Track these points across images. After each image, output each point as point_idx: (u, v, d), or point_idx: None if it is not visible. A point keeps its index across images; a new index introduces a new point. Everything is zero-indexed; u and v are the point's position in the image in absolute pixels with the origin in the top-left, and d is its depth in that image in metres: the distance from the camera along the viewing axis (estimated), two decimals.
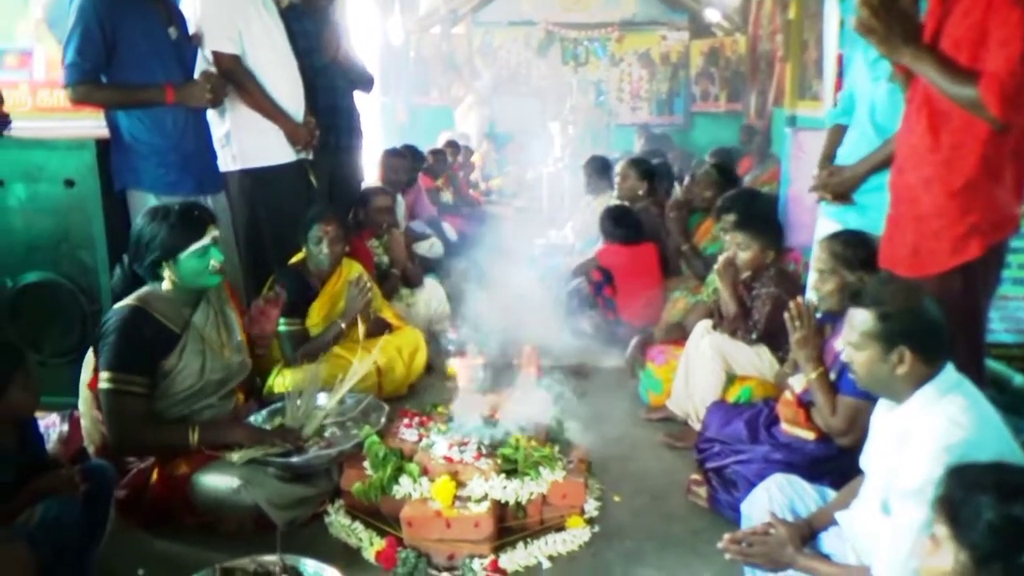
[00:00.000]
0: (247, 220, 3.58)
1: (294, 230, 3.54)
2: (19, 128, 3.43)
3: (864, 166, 2.76)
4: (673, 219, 4.30)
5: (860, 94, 2.86)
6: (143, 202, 3.20)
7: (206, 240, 2.51)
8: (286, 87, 3.61)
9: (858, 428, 2.24)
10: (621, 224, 4.50)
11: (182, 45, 3.28)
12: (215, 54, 3.36)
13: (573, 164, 7.79)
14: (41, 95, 4.66)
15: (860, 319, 1.77)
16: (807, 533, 1.96)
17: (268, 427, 2.69)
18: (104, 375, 2.43)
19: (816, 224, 3.10)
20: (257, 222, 3.60)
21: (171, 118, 3.17)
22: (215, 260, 2.53)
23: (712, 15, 10.73)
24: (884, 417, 1.86)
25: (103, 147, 3.19)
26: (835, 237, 2.64)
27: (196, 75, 3.27)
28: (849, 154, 2.86)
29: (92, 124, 3.32)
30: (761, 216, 3.49)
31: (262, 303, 2.86)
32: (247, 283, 3.57)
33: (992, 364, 2.97)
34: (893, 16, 2.03)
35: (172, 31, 3.22)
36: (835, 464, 2.40)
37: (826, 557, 1.88)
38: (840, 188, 2.84)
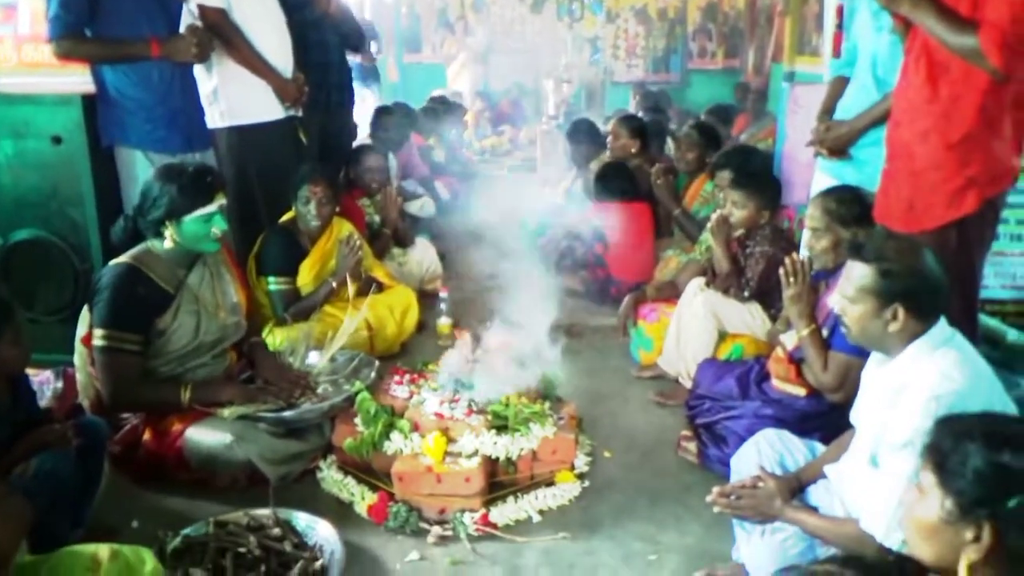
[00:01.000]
0: (235, 177, 3.53)
1: (284, 188, 3.50)
2: (4, 84, 3.38)
3: (862, 120, 2.72)
4: (660, 185, 4.26)
5: (863, 46, 2.81)
6: (131, 158, 3.17)
7: (212, 207, 2.49)
8: (274, 42, 3.54)
9: (849, 384, 2.24)
10: (614, 181, 4.45)
11: None
12: (200, 8, 3.28)
13: (568, 123, 7.70)
14: (26, 50, 4.53)
15: (859, 273, 1.75)
16: (796, 486, 1.98)
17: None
18: (98, 332, 2.43)
19: (812, 180, 3.08)
20: (246, 180, 3.55)
21: (157, 73, 3.11)
22: (217, 228, 2.52)
23: None
24: (875, 372, 1.86)
25: (90, 103, 3.15)
26: (828, 193, 2.61)
27: (182, 29, 3.20)
28: (848, 107, 2.82)
29: (78, 80, 3.26)
30: (757, 174, 3.46)
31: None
32: (236, 242, 3.53)
33: (986, 320, 2.98)
34: None
35: None
36: (825, 420, 2.42)
37: (814, 510, 1.90)
38: (837, 143, 2.81)
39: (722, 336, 3.15)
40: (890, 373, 1.76)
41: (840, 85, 2.95)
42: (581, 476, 2.57)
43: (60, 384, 2.89)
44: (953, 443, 1.18)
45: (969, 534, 1.15)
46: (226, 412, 2.48)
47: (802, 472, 2.03)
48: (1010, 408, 1.64)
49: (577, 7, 10.92)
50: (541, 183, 7.35)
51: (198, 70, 3.36)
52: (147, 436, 2.52)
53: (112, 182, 3.22)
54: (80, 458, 2.08)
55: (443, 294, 3.83)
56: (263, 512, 2.22)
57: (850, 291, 1.77)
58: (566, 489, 2.48)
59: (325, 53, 4.06)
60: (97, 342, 2.43)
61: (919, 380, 1.64)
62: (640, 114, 7.11)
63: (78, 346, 2.61)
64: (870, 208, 2.42)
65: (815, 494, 1.98)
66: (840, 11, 4.07)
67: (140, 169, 3.11)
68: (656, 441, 2.87)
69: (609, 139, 5.14)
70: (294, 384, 2.66)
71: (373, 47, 8.24)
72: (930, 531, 1.20)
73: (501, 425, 2.51)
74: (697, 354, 3.10)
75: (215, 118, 3.48)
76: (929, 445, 1.22)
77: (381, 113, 5.58)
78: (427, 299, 4.08)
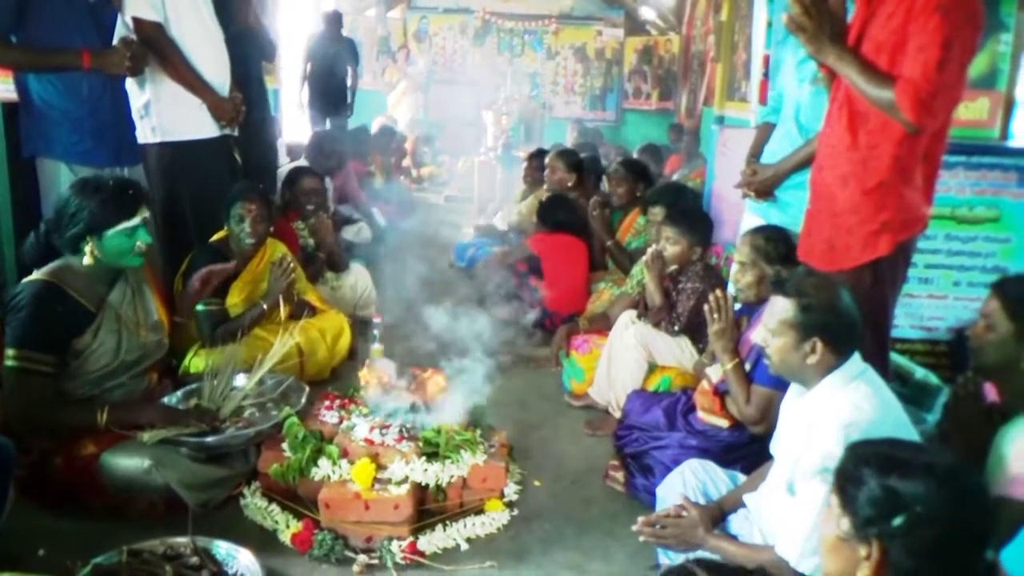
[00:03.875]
0: (165, 195, 3.45)
1: (215, 207, 3.42)
2: None
3: (786, 164, 2.86)
4: (596, 217, 4.37)
5: (787, 94, 2.97)
6: (55, 171, 3.07)
7: (135, 220, 2.42)
8: (211, 59, 3.48)
9: (770, 416, 2.32)
10: (557, 212, 4.54)
11: (100, 9, 3.13)
12: (135, 20, 3.21)
13: (506, 154, 7.80)
14: None
15: (781, 307, 1.83)
16: (718, 515, 2.03)
17: (183, 408, 2.61)
18: (10, 352, 2.32)
19: (740, 219, 3.20)
20: (176, 197, 3.47)
21: (87, 84, 3.03)
22: (141, 241, 2.45)
23: (647, 13, 10.90)
24: (793, 403, 1.93)
25: (10, 111, 3.03)
26: (757, 231, 2.72)
27: (115, 41, 3.13)
28: (774, 152, 2.97)
29: None
30: (691, 212, 3.57)
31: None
32: (164, 260, 3.45)
33: (896, 358, 3.12)
34: (823, 15, 2.10)
35: None
36: (747, 450, 2.49)
37: (734, 538, 1.95)
38: (763, 185, 2.94)
39: (651, 368, 3.21)
40: (806, 405, 1.84)
41: (766, 131, 3.10)
42: (510, 504, 2.57)
43: None
44: (853, 467, 1.26)
45: (863, 551, 1.22)
46: (146, 435, 2.38)
47: (724, 501, 2.09)
48: (916, 440, 1.73)
49: (518, 43, 11.15)
50: (477, 213, 7.41)
51: (130, 83, 3.28)
52: (59, 459, 2.40)
53: (32, 194, 3.10)
54: None
55: (376, 320, 3.80)
56: (181, 540, 2.14)
57: (772, 324, 1.84)
58: (495, 517, 2.48)
59: (245, 67, 4.02)
60: (8, 362, 2.32)
61: (832, 411, 1.72)
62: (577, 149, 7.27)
63: None
64: (794, 248, 2.53)
65: (735, 523, 2.04)
66: (767, 60, 4.27)
67: (64, 182, 2.99)
68: (585, 470, 2.89)
69: (546, 172, 5.23)
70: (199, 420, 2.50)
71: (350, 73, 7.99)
72: (833, 549, 1.28)
73: (432, 452, 2.50)
74: (627, 385, 3.16)
75: (146, 133, 3.39)
76: (837, 469, 1.30)
77: (320, 138, 5.55)
78: (360, 325, 4.04)
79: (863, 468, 1.24)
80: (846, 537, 1.24)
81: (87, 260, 2.41)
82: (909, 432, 1.74)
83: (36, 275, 2.41)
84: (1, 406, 2.43)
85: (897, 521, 1.18)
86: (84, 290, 2.44)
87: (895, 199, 2.16)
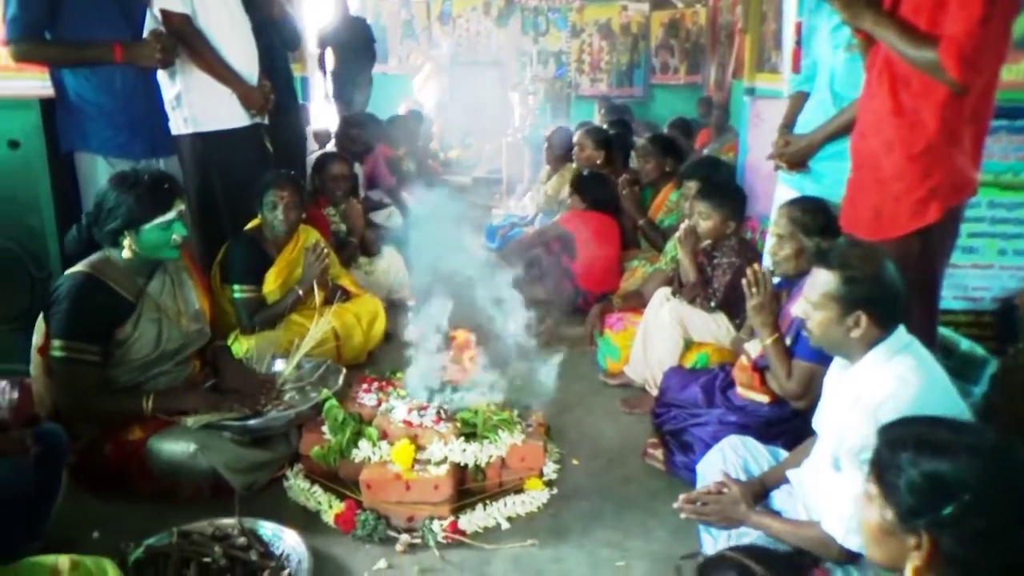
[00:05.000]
0: (199, 185, 3.49)
1: (249, 196, 3.46)
2: None
3: (820, 134, 2.79)
4: (626, 196, 4.33)
5: (821, 62, 2.89)
6: (92, 164, 3.11)
7: (172, 214, 2.46)
8: (240, 48, 3.51)
9: (812, 391, 2.28)
10: (594, 189, 4.51)
11: (129, 3, 3.16)
12: (164, 13, 3.24)
13: (533, 135, 7.75)
14: None
15: (824, 279, 1.79)
16: (759, 491, 2.01)
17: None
18: (56, 343, 2.38)
19: (774, 191, 3.14)
20: (210, 187, 3.52)
21: (120, 77, 3.06)
22: (178, 234, 2.48)
23: None
24: (837, 377, 1.90)
25: (48, 107, 3.09)
26: (794, 203, 2.67)
27: (145, 34, 3.16)
28: (807, 122, 2.89)
29: (36, 84, 3.20)
30: (723, 186, 3.52)
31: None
32: (200, 249, 3.49)
33: (941, 330, 3.05)
34: None
35: None
36: (788, 426, 2.46)
37: (777, 514, 1.93)
38: (796, 157, 2.88)
39: (688, 344, 3.19)
40: (851, 379, 1.81)
41: (800, 100, 3.02)
42: (549, 483, 2.58)
43: (15, 394, 2.80)
44: (890, 455, 1.19)
45: (912, 541, 1.17)
46: (190, 421, 2.44)
47: (766, 477, 2.07)
48: (964, 414, 1.68)
49: (542, 21, 11.04)
50: (506, 194, 7.40)
51: (161, 75, 3.32)
52: (108, 445, 2.46)
53: (71, 188, 3.16)
54: (38, 467, 2.03)
55: (411, 303, 3.81)
56: (228, 521, 2.18)
57: (815, 297, 1.81)
58: (534, 496, 2.49)
59: (271, 58, 4.03)
60: (56, 353, 2.38)
61: (876, 384, 1.69)
62: (604, 127, 7.20)
63: (34, 356, 2.55)
64: (833, 220, 2.47)
65: (778, 498, 2.02)
66: (798, 28, 4.16)
67: (101, 175, 3.03)
68: (623, 448, 2.89)
69: (575, 150, 5.20)
70: (260, 389, 2.63)
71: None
72: (878, 537, 1.23)
73: (470, 432, 2.51)
74: (663, 362, 3.14)
75: (179, 124, 3.44)
76: (873, 457, 1.24)
77: (347, 123, 5.56)
78: (395, 308, 4.06)
79: (900, 455, 1.17)
80: (892, 529, 1.18)
81: (126, 253, 2.46)
82: (957, 404, 1.70)
83: (76, 267, 2.47)
84: (51, 395, 2.50)
85: (947, 511, 1.11)
86: (123, 281, 2.48)
87: (943, 163, 2.09)
